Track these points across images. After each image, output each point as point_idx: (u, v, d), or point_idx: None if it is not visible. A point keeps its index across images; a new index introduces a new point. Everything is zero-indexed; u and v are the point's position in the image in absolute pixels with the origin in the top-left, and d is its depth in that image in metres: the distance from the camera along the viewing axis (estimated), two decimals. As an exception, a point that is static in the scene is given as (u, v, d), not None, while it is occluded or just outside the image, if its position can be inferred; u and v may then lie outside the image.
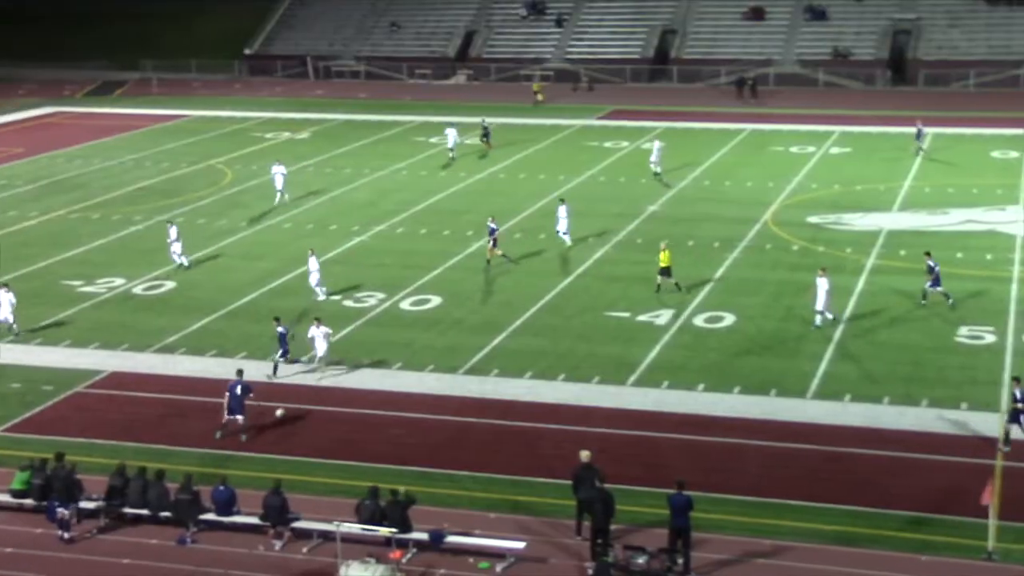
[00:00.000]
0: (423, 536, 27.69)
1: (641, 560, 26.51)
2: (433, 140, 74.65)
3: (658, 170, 64.10)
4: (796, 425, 34.08)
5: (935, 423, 33.91)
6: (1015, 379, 32.68)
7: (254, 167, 69.04)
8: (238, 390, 33.82)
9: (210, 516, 28.91)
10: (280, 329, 38.28)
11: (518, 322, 42.74)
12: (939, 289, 42.94)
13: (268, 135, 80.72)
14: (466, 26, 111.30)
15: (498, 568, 27.02)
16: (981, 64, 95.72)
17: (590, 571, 26.37)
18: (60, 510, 28.69)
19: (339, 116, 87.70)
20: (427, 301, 45.17)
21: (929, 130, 70.31)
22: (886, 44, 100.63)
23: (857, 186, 62.21)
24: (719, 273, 47.49)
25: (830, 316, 41.19)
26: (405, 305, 44.82)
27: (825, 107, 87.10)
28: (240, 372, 34.68)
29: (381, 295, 45.78)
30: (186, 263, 49.58)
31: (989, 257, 49.08)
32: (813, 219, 55.28)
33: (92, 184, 66.31)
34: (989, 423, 33.48)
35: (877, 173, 65.05)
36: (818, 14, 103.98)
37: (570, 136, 78.71)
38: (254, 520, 28.63)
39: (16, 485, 29.94)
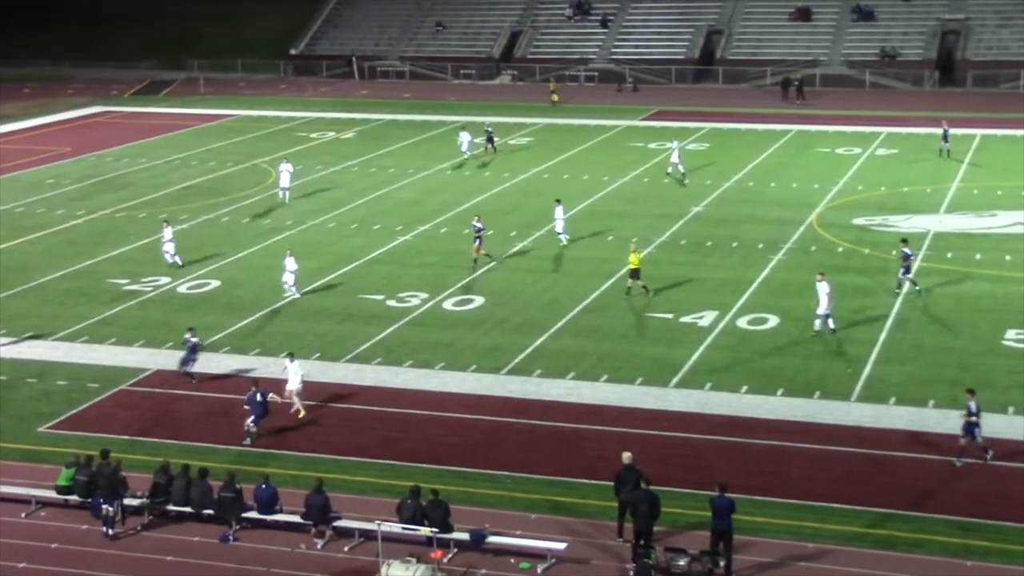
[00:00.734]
0: (464, 536, 27.72)
1: (682, 562, 26.41)
2: (477, 140, 74.67)
3: (682, 169, 64.11)
4: (840, 428, 33.85)
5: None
6: (970, 391, 31.78)
7: (299, 167, 69.25)
8: (258, 397, 33.82)
9: (252, 514, 29.04)
10: (193, 340, 37.90)
11: (561, 323, 42.70)
12: (908, 276, 43.89)
13: (313, 135, 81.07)
14: (511, 26, 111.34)
15: (539, 569, 26.99)
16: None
17: (631, 573, 26.31)
18: (105, 507, 28.91)
19: (384, 116, 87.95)
20: (470, 301, 45.21)
21: (954, 131, 69.50)
22: (934, 44, 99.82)
23: (904, 188, 61.73)
24: (763, 275, 47.27)
25: (832, 325, 40.74)
26: (448, 305, 44.87)
27: (872, 108, 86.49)
28: (256, 382, 34.80)
29: (424, 295, 45.87)
30: (180, 263, 49.79)
31: (1038, 260, 48.63)
32: (859, 221, 54.93)
33: (139, 183, 66.81)
34: (1036, 427, 33.19)
35: (924, 175, 64.54)
36: (865, 14, 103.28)
37: (614, 137, 78.57)
38: (296, 519, 28.75)
39: (62, 482, 30.22)
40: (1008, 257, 48.82)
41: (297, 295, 45.67)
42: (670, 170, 64.72)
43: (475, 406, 35.94)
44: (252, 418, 33.73)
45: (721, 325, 41.99)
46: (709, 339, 40.75)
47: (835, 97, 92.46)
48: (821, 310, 40.74)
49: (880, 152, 71.17)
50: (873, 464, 31.69)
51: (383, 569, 26.38)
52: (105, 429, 34.78)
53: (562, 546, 27.34)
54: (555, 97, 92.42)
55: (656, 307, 43.81)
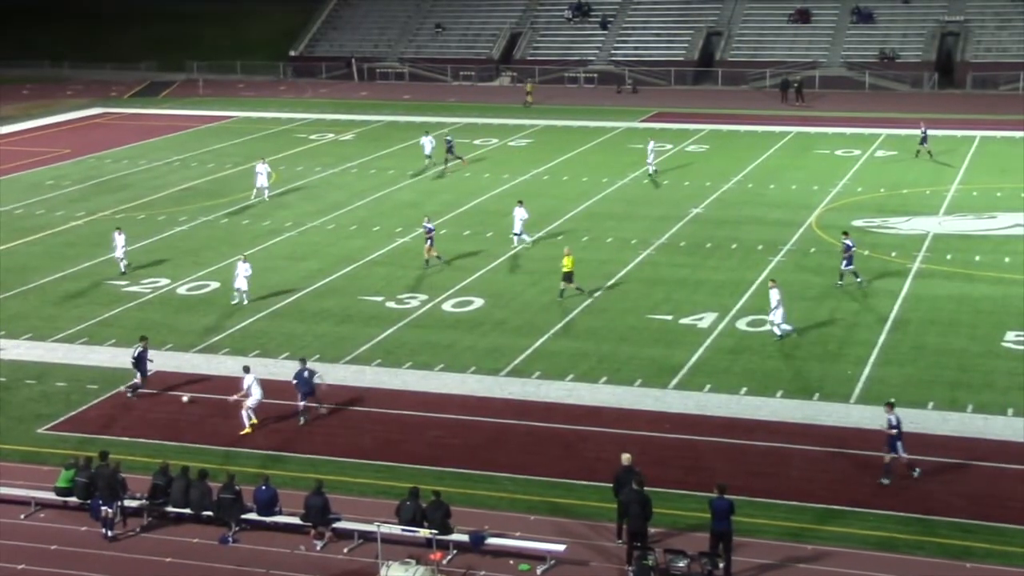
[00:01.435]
0: (463, 538, 27.71)
1: (681, 564, 26.41)
2: (477, 143, 74.60)
3: (651, 170, 64.82)
4: (839, 429, 33.85)
5: (980, 428, 33.60)
6: (888, 404, 31.16)
7: (299, 168, 69.41)
8: (305, 375, 34.91)
9: (252, 516, 29.05)
10: (140, 351, 37.40)
11: (560, 324, 42.69)
12: (851, 268, 44.61)
13: (313, 136, 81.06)
14: (511, 28, 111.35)
15: (538, 570, 27.00)
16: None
17: (630, 574, 26.29)
18: (104, 508, 28.90)
19: (383, 117, 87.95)
20: (469, 303, 45.20)
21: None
22: (933, 46, 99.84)
23: (903, 189, 61.73)
24: (763, 276, 47.22)
25: (789, 327, 40.62)
26: (447, 307, 44.86)
27: (871, 110, 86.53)
28: (304, 360, 35.70)
29: (423, 296, 45.86)
30: (123, 269, 49.22)
31: (1038, 262, 48.64)
32: (858, 222, 54.89)
33: (138, 184, 66.80)
34: (1036, 429, 33.19)
35: (923, 176, 64.54)
36: (865, 16, 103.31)
37: (614, 138, 78.56)
38: (296, 520, 28.75)
39: (61, 483, 30.21)
40: (1007, 259, 48.82)
41: (245, 302, 45.12)
42: (653, 171, 65.07)
43: (474, 408, 35.94)
44: (300, 398, 34.99)
45: (721, 327, 41.98)
46: (708, 341, 40.75)
47: (834, 99, 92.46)
48: (774, 317, 40.66)
49: (879, 154, 71.17)
50: (872, 466, 31.64)
51: (382, 571, 26.38)
52: (104, 431, 34.77)
53: (561, 548, 27.34)
54: (529, 99, 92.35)
55: (656, 309, 43.81)
